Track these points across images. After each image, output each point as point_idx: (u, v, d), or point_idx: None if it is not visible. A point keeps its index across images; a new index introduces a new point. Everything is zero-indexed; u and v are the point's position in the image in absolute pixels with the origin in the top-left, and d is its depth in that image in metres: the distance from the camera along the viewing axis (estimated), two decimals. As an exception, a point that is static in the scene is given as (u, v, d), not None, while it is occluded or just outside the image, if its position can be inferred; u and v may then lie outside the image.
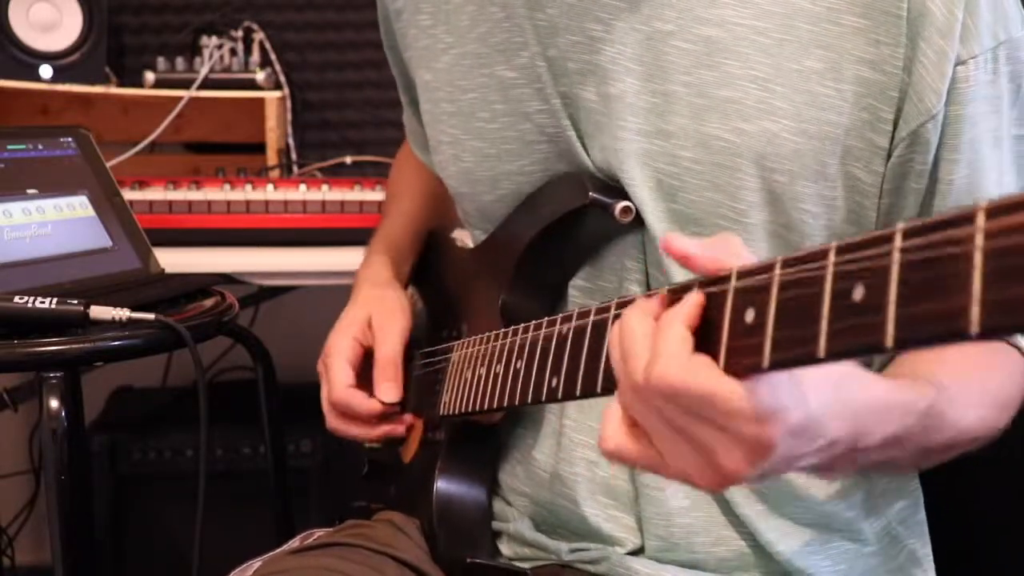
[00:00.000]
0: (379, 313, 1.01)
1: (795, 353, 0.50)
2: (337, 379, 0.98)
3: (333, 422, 1.01)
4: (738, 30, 0.77)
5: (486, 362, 0.84)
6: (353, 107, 1.96)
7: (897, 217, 0.79)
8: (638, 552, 0.85)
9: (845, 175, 0.77)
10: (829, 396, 0.58)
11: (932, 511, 0.91)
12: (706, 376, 0.55)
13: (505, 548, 0.93)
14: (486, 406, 0.82)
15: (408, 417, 1.00)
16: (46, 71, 1.81)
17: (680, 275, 0.81)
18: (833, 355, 0.48)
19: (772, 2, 0.76)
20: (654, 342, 0.57)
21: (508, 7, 0.85)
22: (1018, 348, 0.79)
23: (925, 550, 0.89)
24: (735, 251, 0.59)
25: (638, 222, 0.81)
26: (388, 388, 0.97)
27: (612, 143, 0.81)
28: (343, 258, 1.48)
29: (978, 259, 0.40)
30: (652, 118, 0.80)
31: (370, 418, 0.98)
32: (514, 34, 0.86)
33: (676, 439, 0.57)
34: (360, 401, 0.97)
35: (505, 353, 0.80)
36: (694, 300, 0.57)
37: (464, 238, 1.08)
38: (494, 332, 0.84)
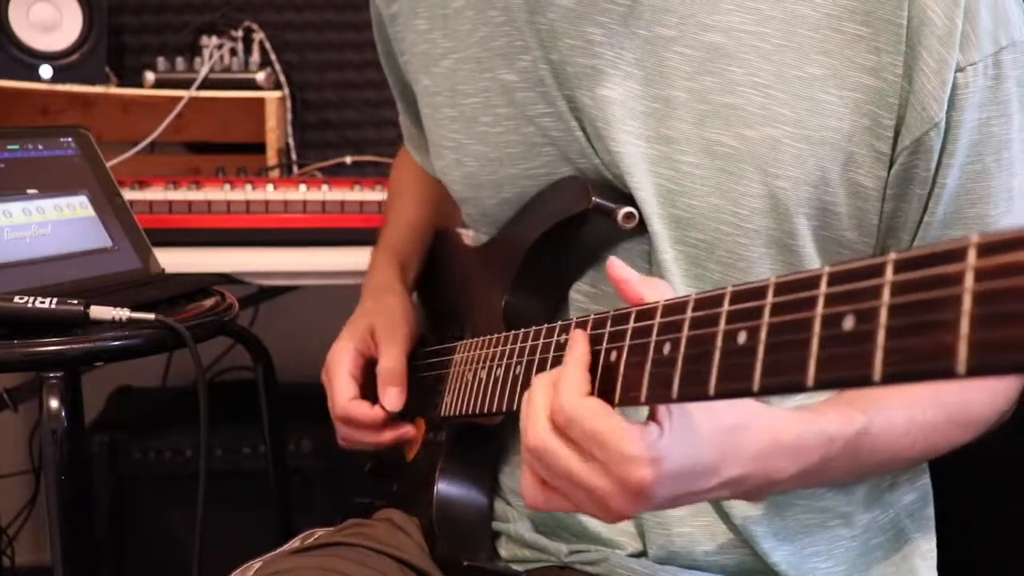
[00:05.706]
0: (382, 323, 1.01)
1: (785, 380, 0.50)
2: (340, 393, 0.99)
3: (342, 432, 1.02)
4: (741, 36, 0.77)
5: (486, 365, 0.83)
6: (353, 107, 1.96)
7: (901, 221, 0.79)
8: (638, 555, 0.85)
9: (848, 181, 0.77)
10: (721, 441, 0.63)
11: (936, 505, 0.91)
12: (593, 414, 0.61)
13: (505, 549, 0.93)
14: (485, 409, 0.82)
15: (410, 427, 1.00)
16: (46, 71, 1.81)
17: (679, 279, 0.81)
18: (821, 384, 0.48)
19: (773, 8, 0.76)
20: (554, 392, 0.64)
21: (508, 11, 0.85)
22: None
23: (929, 545, 0.89)
24: (662, 291, 0.65)
25: (643, 227, 0.81)
26: (392, 394, 0.98)
27: (614, 146, 0.81)
28: (343, 258, 1.49)
29: (967, 301, 0.40)
30: (652, 123, 0.80)
31: (375, 426, 0.99)
32: (515, 38, 0.85)
33: (574, 489, 0.63)
34: (364, 412, 0.98)
35: (505, 357, 0.80)
36: (580, 347, 0.65)
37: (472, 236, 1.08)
38: (495, 336, 0.84)
